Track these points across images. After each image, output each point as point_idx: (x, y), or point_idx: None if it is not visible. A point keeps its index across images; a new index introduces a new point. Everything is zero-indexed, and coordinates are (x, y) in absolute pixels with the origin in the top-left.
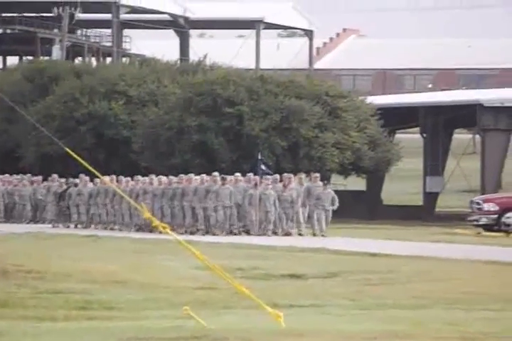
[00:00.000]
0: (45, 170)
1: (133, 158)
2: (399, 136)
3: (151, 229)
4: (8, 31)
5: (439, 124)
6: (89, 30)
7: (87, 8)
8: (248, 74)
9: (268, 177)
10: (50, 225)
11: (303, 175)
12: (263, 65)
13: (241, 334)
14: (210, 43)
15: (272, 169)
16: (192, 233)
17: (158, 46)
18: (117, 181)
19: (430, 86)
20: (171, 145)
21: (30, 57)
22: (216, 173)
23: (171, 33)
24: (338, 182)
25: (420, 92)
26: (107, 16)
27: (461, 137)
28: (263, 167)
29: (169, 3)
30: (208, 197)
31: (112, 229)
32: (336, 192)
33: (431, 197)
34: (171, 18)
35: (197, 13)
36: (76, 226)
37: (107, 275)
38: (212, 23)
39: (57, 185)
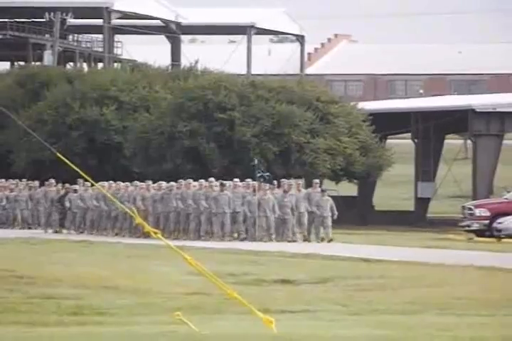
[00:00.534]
0: (36, 176)
1: (124, 163)
2: (390, 141)
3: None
4: (0, 36)
5: (430, 130)
6: (80, 36)
7: (78, 14)
8: (239, 79)
9: (266, 184)
10: (49, 230)
11: (301, 181)
12: (254, 71)
13: (233, 339)
14: (201, 49)
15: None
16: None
17: (150, 51)
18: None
19: (421, 91)
20: (162, 150)
21: (22, 63)
22: (212, 179)
23: (162, 38)
24: (330, 187)
25: (411, 98)
26: (99, 22)
27: (452, 142)
28: (260, 171)
29: (161, 8)
30: (206, 203)
31: (117, 234)
32: None
33: (422, 203)
34: (162, 24)
35: (188, 18)
36: (78, 232)
37: (98, 281)
38: (204, 29)
39: (55, 191)
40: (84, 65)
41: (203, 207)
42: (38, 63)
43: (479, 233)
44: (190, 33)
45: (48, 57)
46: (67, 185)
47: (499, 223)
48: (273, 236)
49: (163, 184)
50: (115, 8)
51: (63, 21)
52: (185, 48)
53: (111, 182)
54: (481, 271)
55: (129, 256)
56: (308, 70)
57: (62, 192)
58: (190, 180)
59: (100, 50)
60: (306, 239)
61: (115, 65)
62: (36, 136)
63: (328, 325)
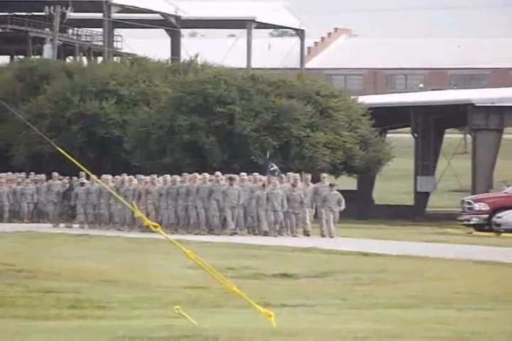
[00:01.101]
0: (36, 169)
1: (124, 157)
2: (390, 135)
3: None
4: (0, 30)
5: (430, 124)
6: (80, 30)
7: (78, 7)
8: (239, 73)
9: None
10: (51, 225)
11: (309, 176)
12: (254, 65)
13: (232, 333)
14: (201, 43)
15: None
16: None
17: (150, 45)
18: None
19: (421, 86)
20: (162, 144)
21: (22, 56)
22: (219, 173)
23: (162, 32)
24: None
25: (411, 92)
26: (99, 15)
27: (452, 137)
28: (273, 165)
29: (160, 2)
30: (212, 197)
31: (118, 229)
32: None
33: (422, 197)
34: (162, 18)
35: (188, 12)
36: (81, 226)
37: (98, 275)
38: (204, 23)
39: (60, 184)
40: (84, 59)
41: (209, 202)
42: (37, 57)
43: (478, 227)
44: (190, 26)
45: (48, 51)
46: (73, 178)
47: (498, 217)
48: (280, 231)
49: (168, 177)
50: (115, 1)
51: (63, 15)
52: (185, 42)
53: (117, 176)
54: (480, 265)
55: (129, 249)
56: (308, 64)
57: (67, 185)
58: (196, 174)
59: (100, 43)
60: (308, 234)
61: (115, 58)
62: (36, 130)
63: (328, 319)
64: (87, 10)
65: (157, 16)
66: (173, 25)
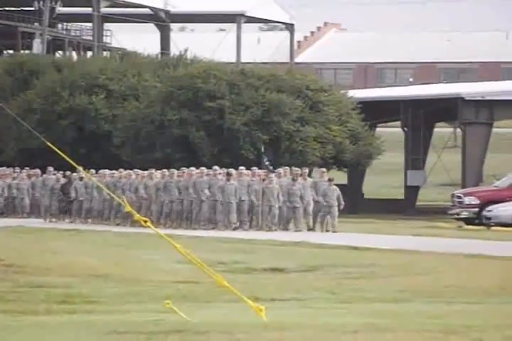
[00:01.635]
0: (25, 164)
1: (114, 152)
2: (380, 129)
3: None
4: None
5: (420, 118)
6: (69, 24)
7: (67, 2)
8: (229, 67)
9: (272, 172)
10: (49, 219)
11: (307, 170)
12: (244, 59)
13: (223, 327)
14: (190, 37)
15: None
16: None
17: (139, 40)
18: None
19: (411, 80)
20: (151, 139)
21: (11, 51)
22: (216, 167)
23: (151, 26)
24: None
25: (401, 86)
26: (88, 10)
27: (442, 131)
28: (265, 160)
29: None
30: (210, 191)
31: (118, 224)
32: None
33: (412, 191)
34: (151, 12)
35: (178, 6)
36: (83, 221)
37: (88, 269)
38: (193, 17)
39: (54, 179)
40: (74, 54)
41: (205, 196)
42: (27, 52)
43: (468, 221)
44: (180, 21)
45: (37, 46)
46: (68, 173)
47: (488, 211)
48: (275, 226)
49: (166, 172)
50: None
51: (52, 10)
52: (175, 36)
53: (113, 171)
54: (470, 259)
55: (119, 244)
56: (298, 59)
57: (62, 180)
58: (192, 168)
59: (89, 38)
60: (311, 229)
61: (104, 53)
62: (26, 125)
63: (318, 313)
64: (76, 4)
65: (146, 11)
66: (162, 20)
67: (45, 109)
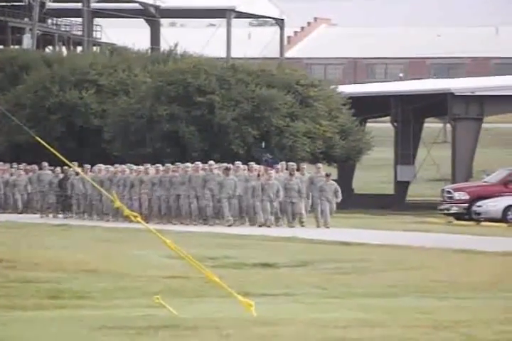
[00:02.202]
0: (15, 159)
1: (104, 147)
2: (370, 125)
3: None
4: None
5: (410, 113)
6: (59, 19)
7: None
8: (219, 63)
9: (275, 166)
10: (46, 215)
11: (305, 165)
12: (234, 54)
13: (212, 323)
14: (181, 32)
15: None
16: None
17: (129, 35)
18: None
19: (401, 75)
20: (141, 134)
21: (1, 46)
22: (212, 162)
23: (141, 21)
24: (309, 171)
25: (391, 81)
26: (78, 5)
27: (432, 126)
28: (268, 156)
29: None
30: (206, 186)
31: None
32: None
33: (402, 186)
34: (141, 7)
35: (168, 2)
36: (78, 217)
37: (78, 264)
38: (183, 12)
39: (50, 174)
40: (64, 49)
41: (202, 191)
42: (17, 47)
43: (458, 216)
44: (170, 16)
45: (27, 41)
46: (65, 168)
47: (478, 206)
48: (277, 221)
49: (160, 167)
50: None
51: (42, 5)
52: (165, 32)
53: (109, 166)
54: (460, 254)
55: (108, 239)
56: (288, 54)
57: (61, 175)
58: (188, 164)
59: (79, 33)
60: (303, 225)
61: (94, 48)
62: (15, 120)
63: (308, 308)
64: (66, 0)
65: (136, 6)
66: (152, 15)
67: (35, 104)
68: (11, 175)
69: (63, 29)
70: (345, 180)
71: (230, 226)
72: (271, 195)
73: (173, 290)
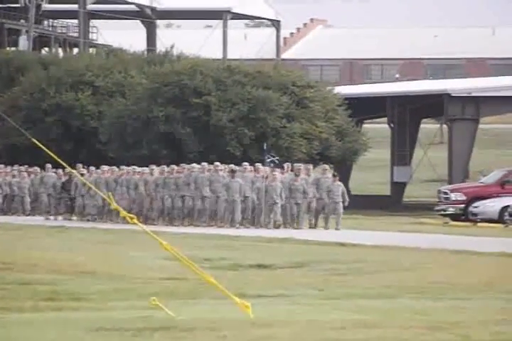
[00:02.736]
0: (12, 161)
1: (100, 148)
2: (366, 126)
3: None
4: None
5: (406, 114)
6: (55, 21)
7: None
8: (215, 64)
9: (276, 169)
10: (50, 217)
11: (310, 166)
12: (230, 55)
13: (209, 324)
14: (177, 33)
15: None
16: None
17: (125, 36)
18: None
19: (397, 76)
20: (138, 135)
21: None
22: (218, 163)
23: (137, 23)
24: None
25: (387, 82)
26: (74, 7)
27: (428, 127)
28: (270, 156)
29: None
30: (211, 188)
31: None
32: None
33: (398, 187)
34: (137, 9)
35: (164, 3)
36: (80, 218)
37: (74, 266)
38: (180, 13)
39: (54, 176)
40: (60, 50)
41: (206, 193)
42: (13, 48)
43: (455, 217)
44: (166, 17)
45: (23, 43)
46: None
47: (475, 207)
48: (280, 223)
49: (165, 168)
50: None
51: (38, 6)
52: (161, 33)
53: (114, 167)
54: (456, 255)
55: (105, 241)
56: (284, 55)
57: (63, 178)
58: (194, 164)
59: (75, 35)
60: (312, 227)
61: (90, 50)
62: (11, 122)
63: (305, 310)
64: (62, 1)
65: (133, 7)
66: (148, 16)
67: (31, 106)
68: (14, 177)
69: (59, 31)
70: (341, 181)
71: (237, 228)
72: (274, 197)
73: (170, 291)
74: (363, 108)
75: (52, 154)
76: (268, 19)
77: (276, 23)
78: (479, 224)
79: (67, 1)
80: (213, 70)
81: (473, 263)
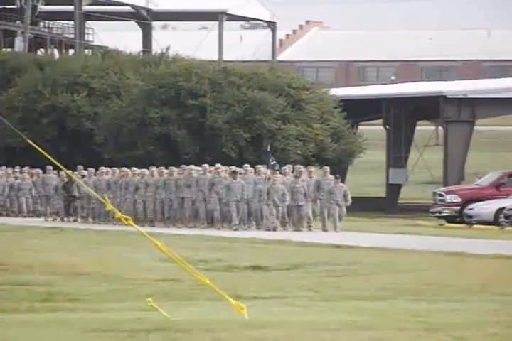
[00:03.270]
0: (7, 163)
1: (95, 150)
2: (362, 127)
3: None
4: None
5: (402, 116)
6: (51, 22)
7: (49, 0)
8: (211, 66)
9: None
10: (49, 219)
11: (313, 168)
12: (226, 57)
13: (204, 326)
14: (172, 35)
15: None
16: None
17: (121, 38)
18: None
19: (393, 78)
20: (133, 137)
21: None
22: (219, 165)
23: (133, 24)
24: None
25: (383, 84)
26: (70, 8)
27: (424, 129)
28: (273, 159)
29: None
30: (213, 189)
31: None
32: None
33: (394, 189)
34: (133, 10)
35: (160, 4)
36: (83, 221)
37: (70, 267)
38: (175, 15)
39: (55, 178)
40: (55, 52)
41: (208, 195)
42: (8, 50)
43: (450, 219)
44: (162, 19)
45: (19, 44)
46: (69, 171)
47: (470, 209)
48: (283, 224)
49: (164, 170)
50: None
51: (34, 8)
52: (157, 35)
53: (114, 168)
54: (451, 257)
55: (100, 242)
56: (280, 57)
57: (66, 179)
58: (192, 166)
59: (71, 36)
60: (320, 229)
61: (86, 51)
62: (7, 123)
63: (300, 311)
64: (58, 3)
65: (128, 9)
66: (144, 18)
67: (27, 107)
68: (16, 178)
69: (55, 32)
70: None
71: (236, 230)
72: (275, 199)
73: (165, 293)
74: (359, 110)
75: (47, 155)
76: (264, 21)
77: (272, 25)
78: (474, 226)
79: (62, 2)
80: (209, 72)
81: (468, 265)
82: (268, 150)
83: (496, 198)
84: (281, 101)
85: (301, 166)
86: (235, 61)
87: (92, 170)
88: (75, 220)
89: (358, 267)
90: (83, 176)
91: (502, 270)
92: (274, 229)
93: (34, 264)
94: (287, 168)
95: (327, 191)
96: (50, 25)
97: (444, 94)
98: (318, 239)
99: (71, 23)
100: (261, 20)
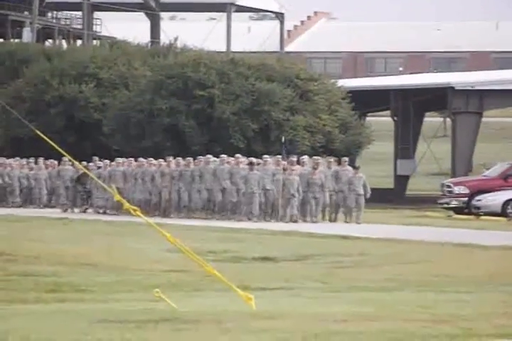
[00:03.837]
0: (15, 153)
1: (103, 140)
2: (370, 119)
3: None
4: None
5: (410, 107)
6: (59, 13)
7: None
8: (219, 56)
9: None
10: (62, 209)
11: (332, 159)
12: (234, 48)
13: (212, 316)
14: (181, 26)
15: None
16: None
17: (129, 29)
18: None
19: (401, 69)
20: (141, 128)
21: (1, 40)
22: (239, 155)
23: (141, 15)
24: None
25: (391, 75)
26: None
27: (432, 120)
28: (288, 150)
29: None
30: (231, 180)
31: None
32: None
33: (402, 180)
34: (141, 1)
35: None
36: (97, 211)
37: (78, 258)
38: (184, 6)
39: (71, 170)
40: (63, 42)
41: (226, 185)
42: (17, 40)
43: (458, 210)
44: (170, 10)
45: (27, 35)
46: (84, 163)
47: (478, 200)
48: (296, 218)
49: (181, 160)
50: None
51: None
52: (165, 25)
53: (130, 158)
54: (459, 248)
55: (108, 233)
56: (288, 48)
57: (80, 171)
58: (209, 156)
59: (79, 27)
60: (332, 220)
61: (94, 42)
62: (15, 113)
63: (308, 302)
64: None
65: None
66: (152, 9)
67: (35, 98)
68: (31, 169)
69: (63, 22)
70: None
71: (255, 222)
72: (291, 191)
73: (173, 283)
74: (367, 101)
75: (55, 146)
76: (272, 12)
77: (280, 16)
78: (482, 218)
79: None
80: (217, 63)
81: (476, 257)
82: (283, 141)
83: (503, 189)
84: (289, 92)
85: (319, 157)
86: (243, 52)
87: (107, 161)
88: (85, 210)
89: (365, 258)
90: (99, 167)
91: (510, 261)
92: (295, 221)
93: (42, 255)
94: (306, 159)
95: (345, 181)
96: (58, 16)
97: (452, 85)
98: (326, 230)
99: (79, 13)
100: (269, 11)
